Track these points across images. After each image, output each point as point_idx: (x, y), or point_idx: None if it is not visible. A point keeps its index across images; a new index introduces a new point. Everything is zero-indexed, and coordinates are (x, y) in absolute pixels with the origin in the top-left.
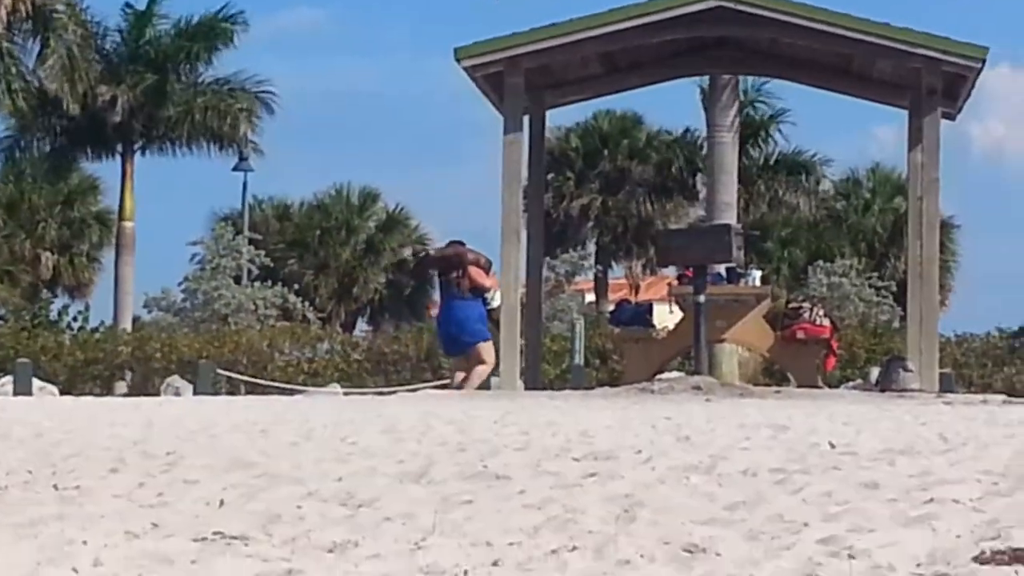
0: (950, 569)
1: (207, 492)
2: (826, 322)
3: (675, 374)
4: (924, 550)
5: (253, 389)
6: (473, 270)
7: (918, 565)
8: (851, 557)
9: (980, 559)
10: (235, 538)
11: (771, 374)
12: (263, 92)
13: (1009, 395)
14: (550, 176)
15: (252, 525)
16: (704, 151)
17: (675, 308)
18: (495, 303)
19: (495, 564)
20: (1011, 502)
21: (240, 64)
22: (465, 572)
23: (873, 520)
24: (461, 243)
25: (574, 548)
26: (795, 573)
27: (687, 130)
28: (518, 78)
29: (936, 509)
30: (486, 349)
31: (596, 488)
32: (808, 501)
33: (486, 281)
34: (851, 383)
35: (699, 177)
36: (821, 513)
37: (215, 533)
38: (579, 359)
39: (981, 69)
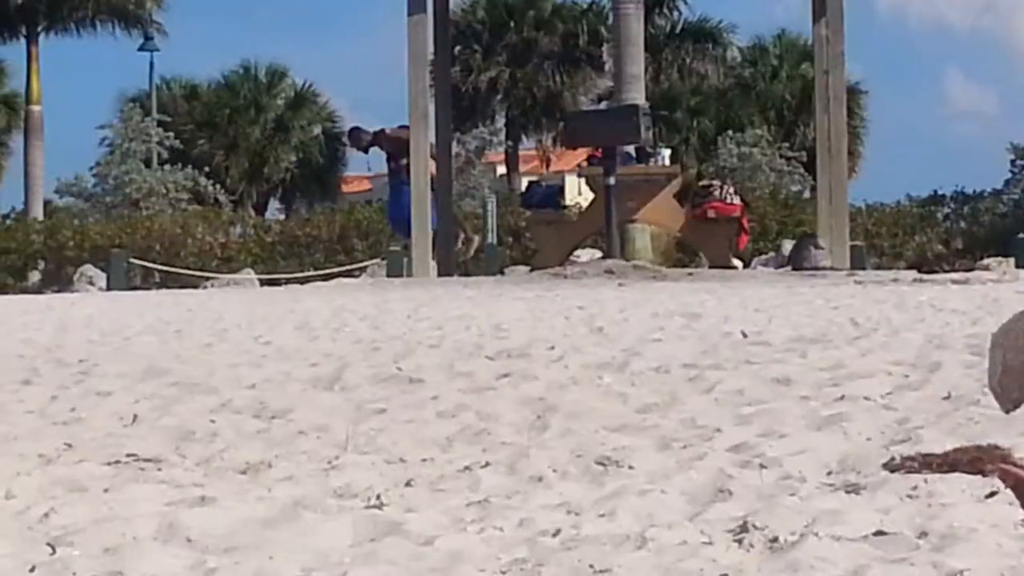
0: (860, 478)
1: (120, 405)
2: (736, 200)
3: (589, 253)
4: (835, 457)
5: (166, 276)
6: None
7: (828, 474)
8: (762, 467)
9: (890, 466)
10: (148, 460)
11: (684, 249)
12: None
13: (919, 266)
14: (457, 50)
15: (166, 444)
16: (610, 21)
17: (585, 187)
18: None
19: (408, 484)
20: (920, 397)
21: None
22: (378, 496)
23: (785, 422)
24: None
25: (487, 464)
26: (706, 487)
27: (593, 1)
28: None
29: (847, 408)
30: None
31: (509, 391)
32: (720, 401)
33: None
34: (763, 257)
35: (606, 48)
36: (733, 415)
37: (128, 455)
38: (492, 238)
39: None
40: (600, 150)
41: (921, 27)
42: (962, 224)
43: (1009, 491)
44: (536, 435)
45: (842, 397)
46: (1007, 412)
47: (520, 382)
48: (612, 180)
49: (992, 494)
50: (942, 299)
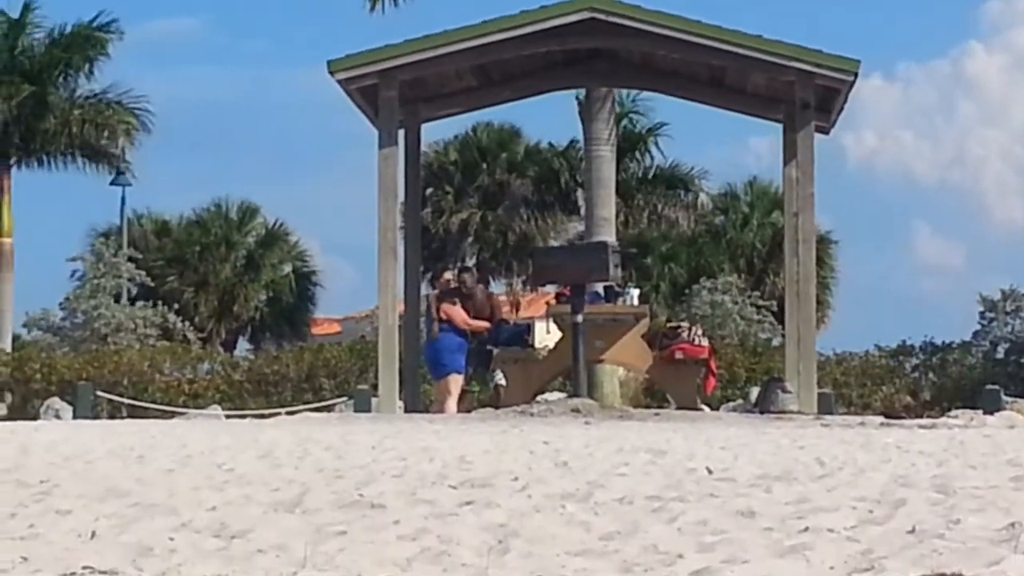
0: None
1: (79, 523)
2: (705, 342)
3: (556, 395)
4: None
5: (134, 411)
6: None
7: None
8: None
9: None
10: (104, 572)
11: (652, 394)
12: (139, 108)
13: (887, 415)
14: (428, 191)
15: (123, 558)
16: (583, 165)
17: (553, 327)
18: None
19: None
20: (884, 531)
21: (112, 73)
22: None
23: (748, 550)
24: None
25: None
26: None
27: (572, 142)
28: (392, 91)
29: (811, 539)
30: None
31: (471, 517)
32: (683, 531)
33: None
34: (731, 403)
35: (579, 192)
36: (696, 543)
37: (84, 567)
38: None
39: (854, 82)
40: (568, 288)
41: (890, 180)
42: (931, 375)
43: None
44: (496, 557)
45: (806, 529)
46: None
47: (482, 509)
48: (580, 318)
49: None
50: (908, 442)
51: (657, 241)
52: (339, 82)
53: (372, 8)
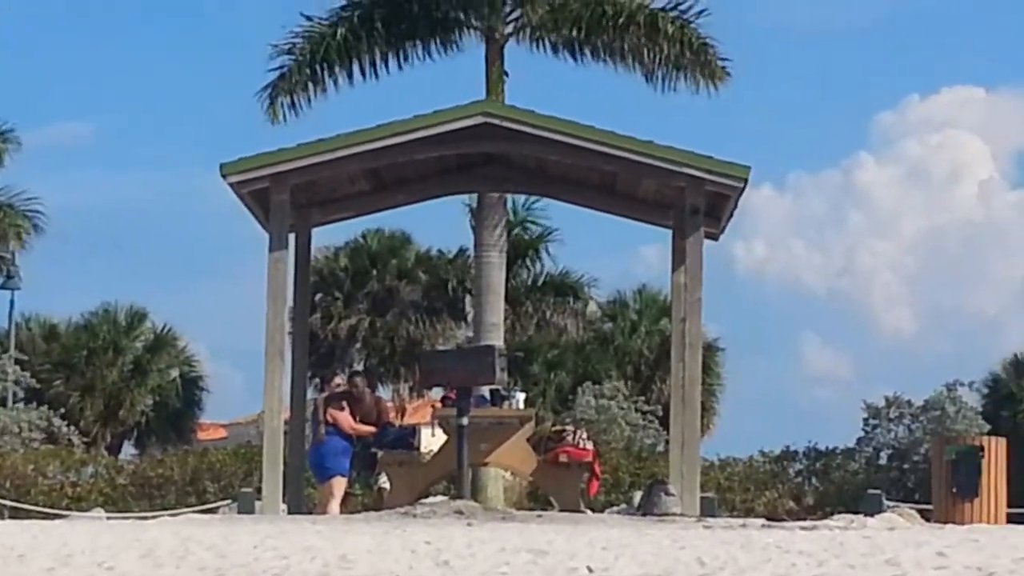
0: None
1: None
2: (589, 446)
3: (439, 498)
4: None
5: (16, 513)
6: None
7: None
8: None
9: None
10: None
11: (536, 498)
12: (32, 211)
13: (770, 518)
14: (318, 296)
15: None
16: (473, 272)
17: (439, 431)
18: None
19: None
20: None
21: (5, 176)
22: None
23: None
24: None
25: None
26: None
27: (461, 250)
28: (284, 195)
29: None
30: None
31: None
32: None
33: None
34: (615, 507)
35: (468, 298)
36: None
37: None
38: None
39: (743, 189)
40: (454, 391)
41: (779, 289)
42: (814, 481)
43: None
44: None
45: None
46: None
47: None
48: (465, 421)
49: None
50: (789, 542)
51: (544, 347)
52: (231, 185)
53: (274, 121)
